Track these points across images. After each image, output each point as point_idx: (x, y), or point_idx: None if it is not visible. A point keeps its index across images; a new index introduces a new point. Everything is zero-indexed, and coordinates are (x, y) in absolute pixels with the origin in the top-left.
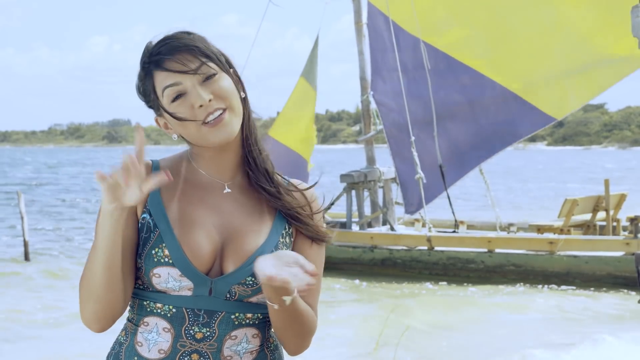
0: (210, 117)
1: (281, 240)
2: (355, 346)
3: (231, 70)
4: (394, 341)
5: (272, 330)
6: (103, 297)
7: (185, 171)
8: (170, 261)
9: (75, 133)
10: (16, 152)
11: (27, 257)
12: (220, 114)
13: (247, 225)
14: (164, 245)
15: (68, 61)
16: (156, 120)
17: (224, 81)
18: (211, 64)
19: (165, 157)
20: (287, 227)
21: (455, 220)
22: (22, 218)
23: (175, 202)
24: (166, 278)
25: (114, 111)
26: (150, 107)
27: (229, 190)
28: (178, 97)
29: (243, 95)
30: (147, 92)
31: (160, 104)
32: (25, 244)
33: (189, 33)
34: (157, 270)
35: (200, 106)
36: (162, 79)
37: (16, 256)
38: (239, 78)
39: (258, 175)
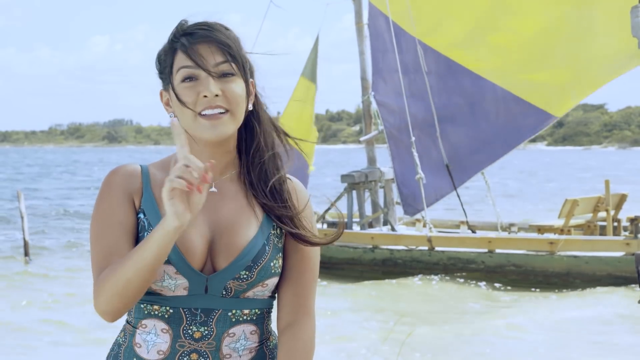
0: (209, 111)
1: (272, 232)
2: (359, 346)
3: (250, 80)
4: (398, 339)
5: (272, 326)
6: (132, 299)
7: None
8: (166, 258)
9: (76, 133)
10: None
11: (27, 255)
12: (221, 112)
13: (238, 220)
14: None
15: (69, 61)
16: (161, 93)
17: (238, 86)
18: (233, 65)
19: (155, 162)
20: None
21: (470, 226)
22: (22, 218)
23: None
24: (162, 276)
25: (114, 111)
26: (160, 77)
27: (215, 190)
28: (189, 79)
29: (250, 108)
30: (164, 64)
31: (171, 80)
32: (26, 244)
33: (226, 28)
34: None
35: (205, 97)
36: (182, 59)
37: (17, 255)
38: (254, 90)
39: (253, 181)
